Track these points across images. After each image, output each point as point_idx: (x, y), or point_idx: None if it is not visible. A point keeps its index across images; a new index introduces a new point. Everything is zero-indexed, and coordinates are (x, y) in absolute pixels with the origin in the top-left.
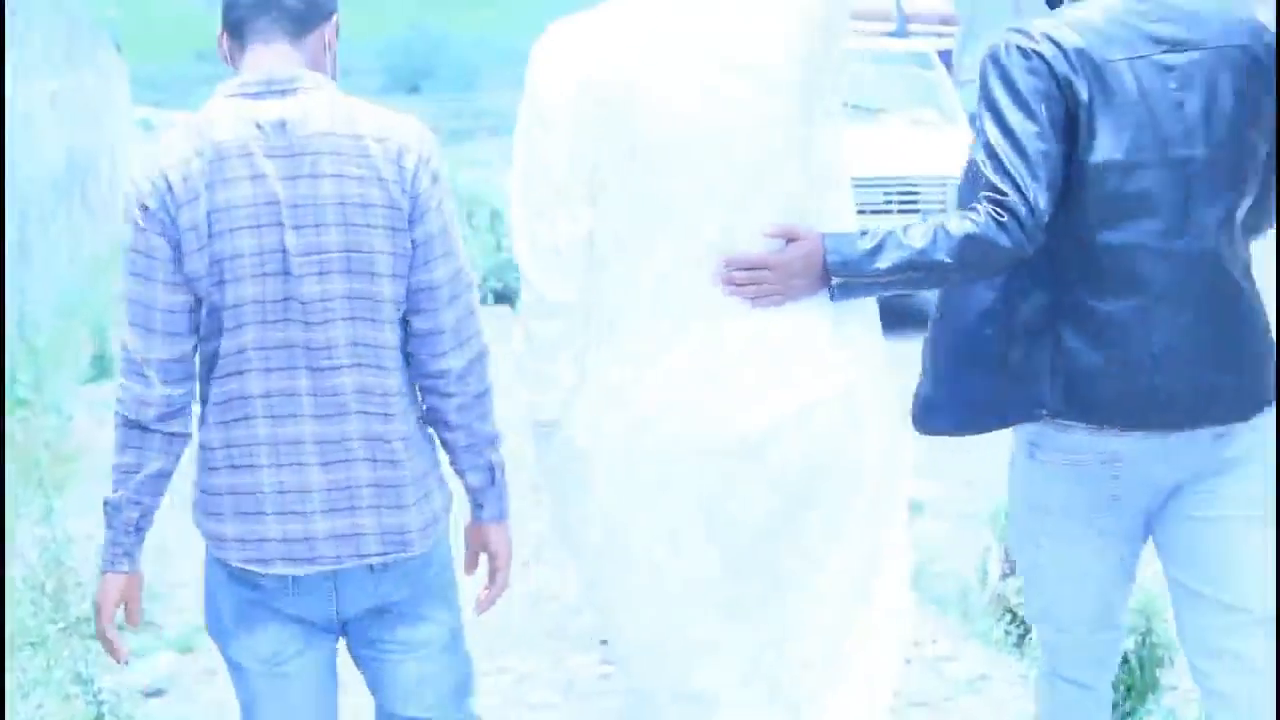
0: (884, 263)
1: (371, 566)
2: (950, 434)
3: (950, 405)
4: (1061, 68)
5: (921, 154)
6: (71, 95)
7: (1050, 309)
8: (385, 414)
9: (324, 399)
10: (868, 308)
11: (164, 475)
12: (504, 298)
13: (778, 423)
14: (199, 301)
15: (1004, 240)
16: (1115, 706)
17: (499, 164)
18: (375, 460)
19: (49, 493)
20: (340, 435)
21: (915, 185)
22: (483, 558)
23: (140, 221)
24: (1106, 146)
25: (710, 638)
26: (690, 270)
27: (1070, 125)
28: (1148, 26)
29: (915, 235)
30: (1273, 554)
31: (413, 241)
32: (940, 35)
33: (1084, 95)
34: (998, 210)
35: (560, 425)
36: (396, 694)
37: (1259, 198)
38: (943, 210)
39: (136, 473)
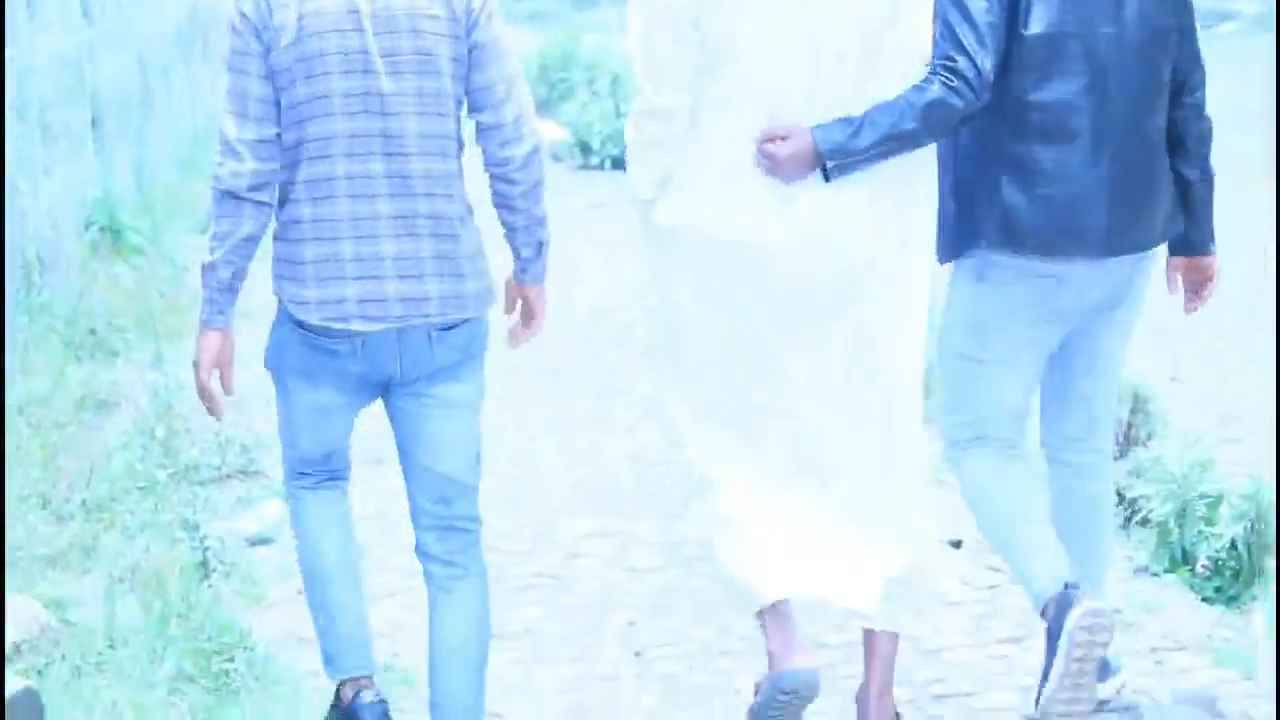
0: (864, 141)
1: (431, 329)
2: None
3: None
4: None
5: None
6: None
7: (990, 159)
8: (447, 194)
9: (396, 180)
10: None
11: (253, 239)
12: (621, 163)
13: (805, 232)
14: (280, 96)
15: (956, 101)
16: (1220, 590)
17: (618, 29)
18: (438, 235)
19: (160, 340)
20: (410, 212)
21: None
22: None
23: (238, 24)
24: (1040, 21)
25: (758, 398)
26: (765, 111)
27: (1013, 3)
28: None
29: (886, 112)
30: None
31: (470, 48)
32: None
33: None
34: (948, 75)
35: (654, 204)
36: (433, 449)
37: (1175, 68)
38: None
39: (230, 237)
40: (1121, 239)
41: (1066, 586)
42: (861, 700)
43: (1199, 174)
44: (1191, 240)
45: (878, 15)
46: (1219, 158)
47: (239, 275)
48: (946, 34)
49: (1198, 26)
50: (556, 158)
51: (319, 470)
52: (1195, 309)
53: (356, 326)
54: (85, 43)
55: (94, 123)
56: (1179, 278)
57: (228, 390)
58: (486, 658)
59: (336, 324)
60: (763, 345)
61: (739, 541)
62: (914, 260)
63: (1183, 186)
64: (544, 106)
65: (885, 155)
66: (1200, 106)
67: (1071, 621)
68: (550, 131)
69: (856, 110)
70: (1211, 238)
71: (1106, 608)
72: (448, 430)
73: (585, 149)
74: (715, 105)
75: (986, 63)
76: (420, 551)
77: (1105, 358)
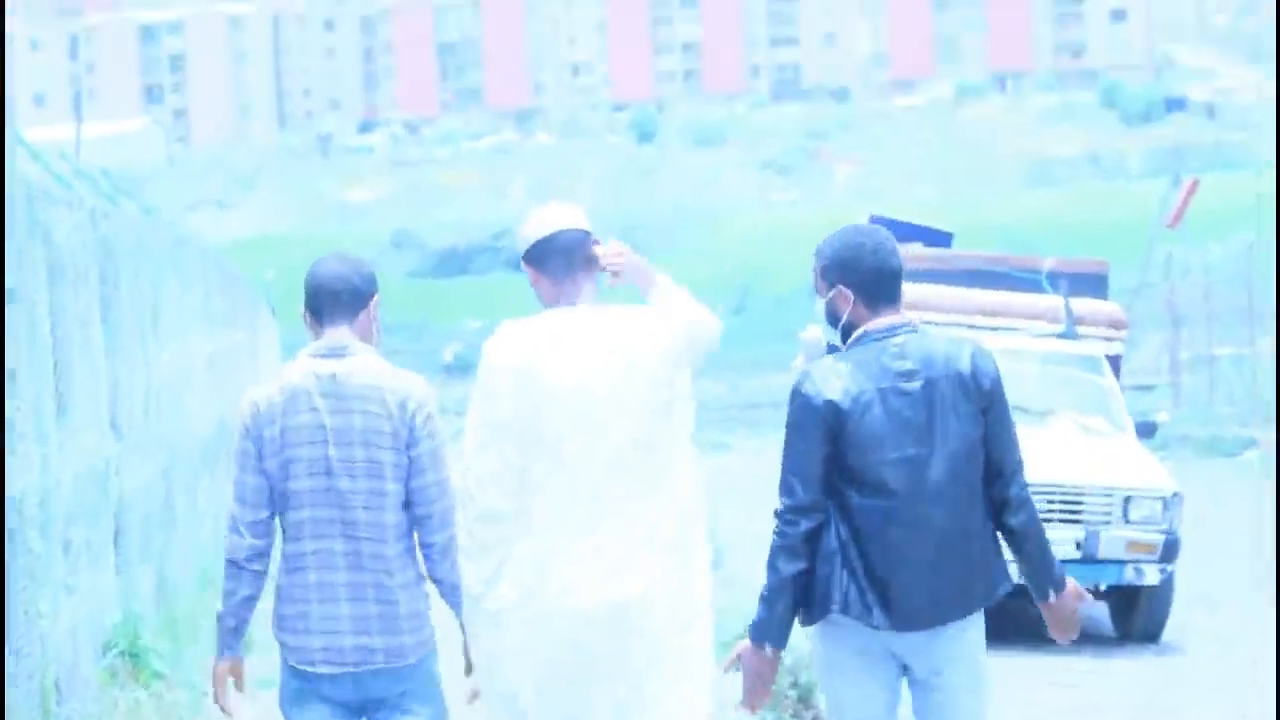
0: (767, 608)
1: (378, 670)
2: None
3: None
4: (826, 401)
5: (1089, 463)
6: (225, 358)
7: (838, 548)
8: (387, 571)
9: (351, 556)
10: (693, 529)
11: (252, 599)
12: None
13: (618, 602)
14: (272, 488)
15: (781, 549)
16: None
17: None
18: (381, 601)
19: None
20: (360, 582)
21: (1080, 495)
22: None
23: (240, 430)
24: (861, 450)
25: None
26: (570, 493)
27: (836, 440)
28: (892, 364)
29: (766, 583)
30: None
31: (409, 458)
32: (1109, 339)
33: (844, 416)
34: (780, 524)
35: (483, 598)
36: None
37: (989, 463)
38: (1107, 524)
39: (233, 596)
40: (929, 614)
41: None
42: None
43: (1026, 536)
44: (1037, 587)
45: (655, 409)
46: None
47: (242, 625)
48: (780, 486)
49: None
50: None
51: None
52: (1065, 642)
53: (321, 670)
54: (112, 456)
55: (116, 538)
56: (1048, 619)
57: (239, 688)
58: None
59: (306, 667)
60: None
61: None
62: (701, 637)
63: (1016, 547)
64: None
65: (783, 603)
66: (1019, 488)
67: None
68: None
69: (652, 481)
70: (1050, 582)
71: None
72: None
73: None
74: (539, 496)
75: (803, 525)
76: None
77: (955, 709)
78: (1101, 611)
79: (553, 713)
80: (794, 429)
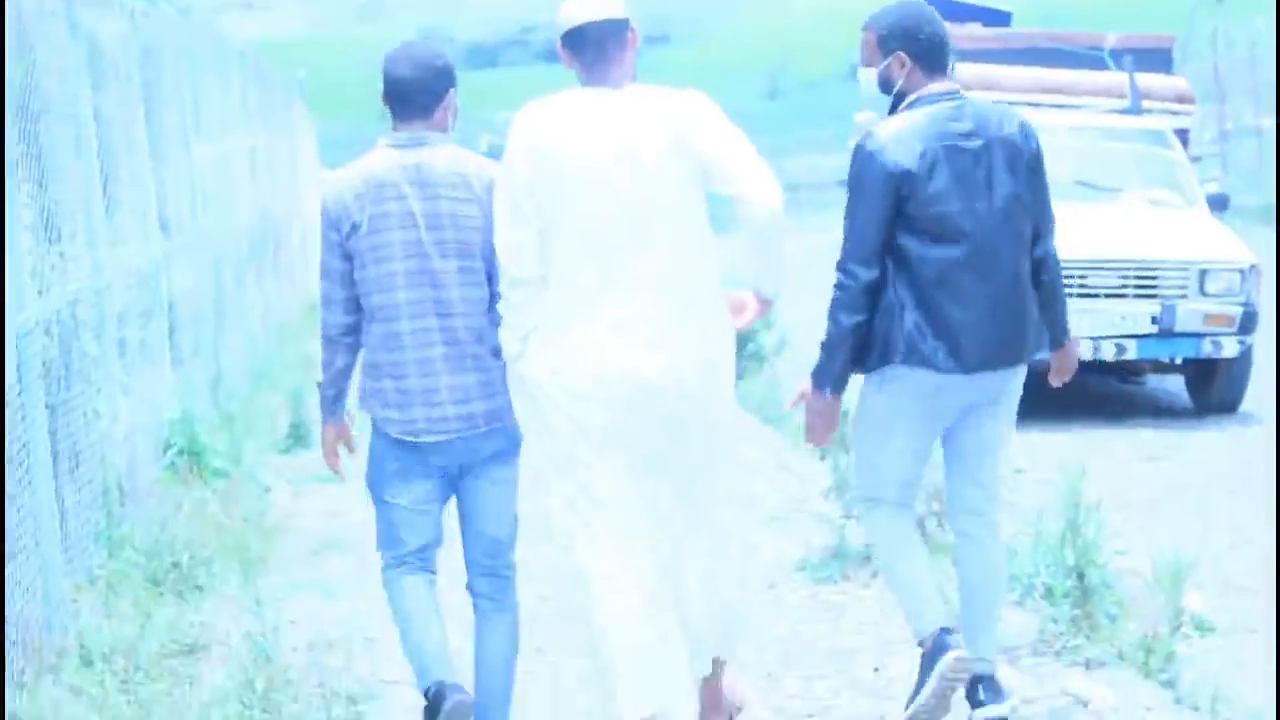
0: (827, 357)
1: (481, 432)
2: (849, 376)
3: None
4: (893, 160)
5: (1162, 237)
6: (265, 155)
7: (898, 300)
8: (480, 340)
9: (446, 333)
10: (720, 310)
11: (349, 367)
12: None
13: (656, 376)
14: (355, 271)
15: (845, 304)
16: None
17: None
18: (479, 369)
19: (254, 580)
20: (458, 355)
21: (1155, 269)
22: None
23: (324, 219)
24: (929, 203)
25: (619, 524)
26: (594, 271)
27: (904, 192)
28: (951, 125)
29: (826, 334)
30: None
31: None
32: (1175, 114)
33: (912, 174)
34: (837, 289)
35: (518, 358)
36: (487, 517)
37: (1033, 225)
38: (1184, 297)
39: (330, 367)
40: (994, 357)
41: (943, 631)
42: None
43: (1054, 290)
44: (1054, 337)
45: (665, 187)
46: None
47: (342, 393)
48: (843, 242)
49: None
50: None
51: (415, 560)
52: (1059, 383)
53: (426, 439)
54: (161, 256)
55: (169, 336)
56: (1055, 363)
57: (351, 449)
58: (515, 667)
59: (409, 438)
60: (632, 463)
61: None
62: (727, 394)
63: (1045, 300)
64: None
65: (843, 353)
66: (1052, 247)
67: (943, 664)
68: None
69: (666, 246)
70: (1064, 332)
71: (968, 656)
72: (497, 501)
73: None
74: (559, 265)
75: (865, 277)
76: (471, 590)
77: (992, 445)
78: (1179, 385)
79: (617, 467)
80: (859, 187)
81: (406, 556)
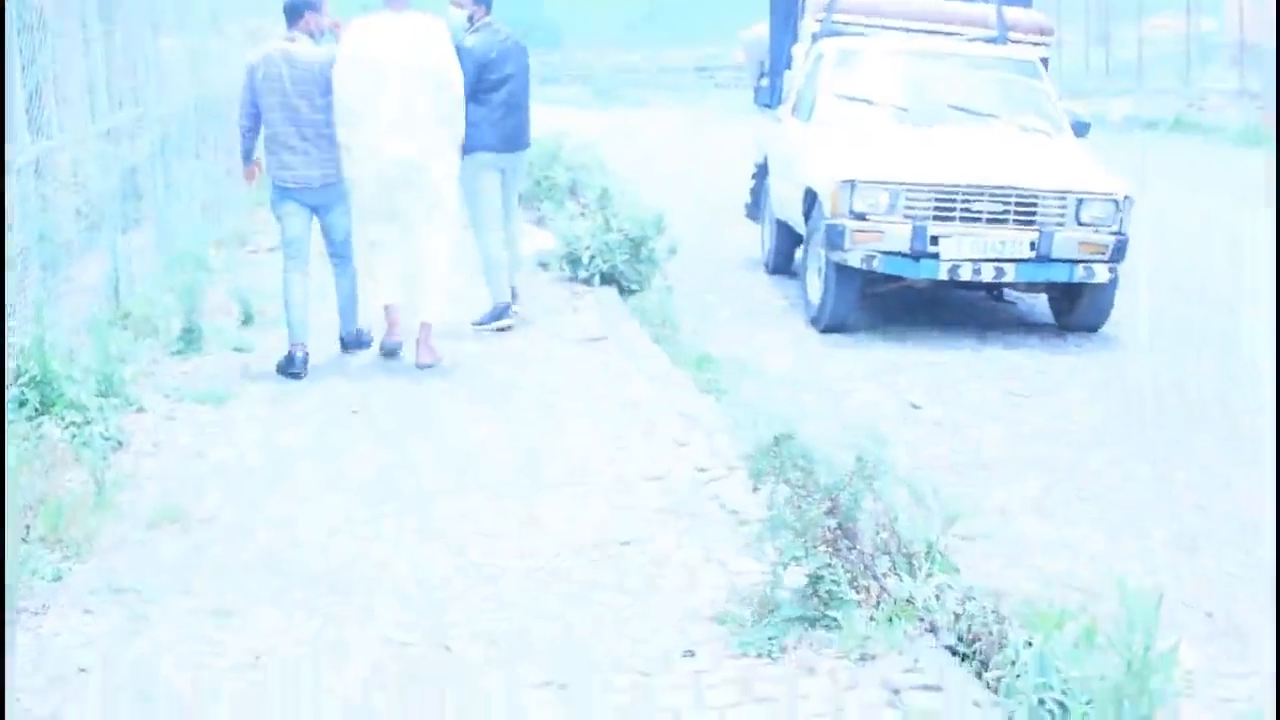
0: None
1: (322, 185)
2: None
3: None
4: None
5: (1041, 166)
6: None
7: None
8: (326, 125)
9: (305, 129)
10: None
11: (252, 143)
12: (609, 279)
13: (406, 156)
14: (256, 106)
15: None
16: None
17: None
18: (321, 147)
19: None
20: (307, 147)
21: (1035, 197)
22: None
23: (248, 71)
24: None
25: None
26: (386, 105)
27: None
28: (496, 37)
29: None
30: None
31: (327, 81)
32: (1037, 44)
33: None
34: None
35: (349, 149)
36: (334, 229)
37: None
38: (1061, 225)
39: (244, 141)
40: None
41: None
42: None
43: None
44: None
45: (429, 71)
46: None
47: (250, 151)
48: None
49: None
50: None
51: (296, 254)
52: None
53: (292, 185)
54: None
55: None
56: None
57: (260, 171)
58: (356, 293)
59: (290, 184)
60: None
61: (381, 283)
62: (450, 160)
63: None
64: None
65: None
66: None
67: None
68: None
69: (427, 103)
70: None
71: None
72: (336, 224)
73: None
74: (371, 105)
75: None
76: (331, 258)
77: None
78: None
79: (383, 205)
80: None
81: (291, 254)
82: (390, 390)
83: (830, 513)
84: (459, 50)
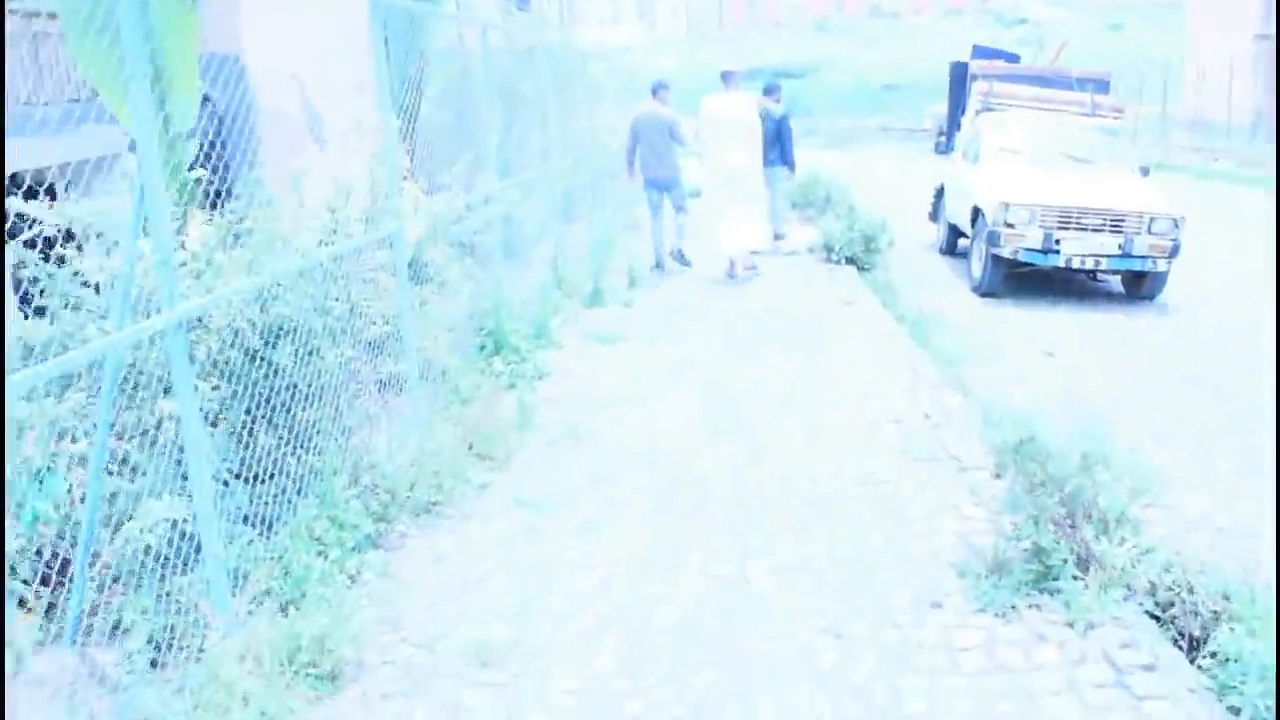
0: None
1: (666, 179)
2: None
3: None
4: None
5: (1125, 195)
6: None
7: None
8: (667, 150)
9: (659, 151)
10: (756, 157)
11: (631, 162)
12: (851, 261)
13: (735, 166)
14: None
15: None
16: None
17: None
18: (665, 160)
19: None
20: (659, 155)
21: (1124, 216)
22: None
23: (633, 121)
24: None
25: (723, 210)
26: (722, 147)
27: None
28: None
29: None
30: None
31: (672, 132)
32: (1115, 117)
33: None
34: None
35: (705, 167)
36: (675, 201)
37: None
38: (1138, 234)
39: (628, 154)
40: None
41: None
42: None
43: None
44: None
45: (749, 130)
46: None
47: (629, 165)
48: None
49: None
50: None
51: (655, 213)
52: None
53: (652, 178)
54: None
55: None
56: None
57: (634, 176)
58: (685, 231)
59: (650, 177)
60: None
61: (722, 241)
62: (756, 170)
63: None
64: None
65: None
66: None
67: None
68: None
69: (749, 144)
70: None
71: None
72: (676, 194)
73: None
74: (714, 151)
75: None
76: (675, 208)
77: None
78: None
79: (724, 192)
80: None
81: (653, 214)
82: (727, 331)
83: (1061, 502)
84: (762, 115)
